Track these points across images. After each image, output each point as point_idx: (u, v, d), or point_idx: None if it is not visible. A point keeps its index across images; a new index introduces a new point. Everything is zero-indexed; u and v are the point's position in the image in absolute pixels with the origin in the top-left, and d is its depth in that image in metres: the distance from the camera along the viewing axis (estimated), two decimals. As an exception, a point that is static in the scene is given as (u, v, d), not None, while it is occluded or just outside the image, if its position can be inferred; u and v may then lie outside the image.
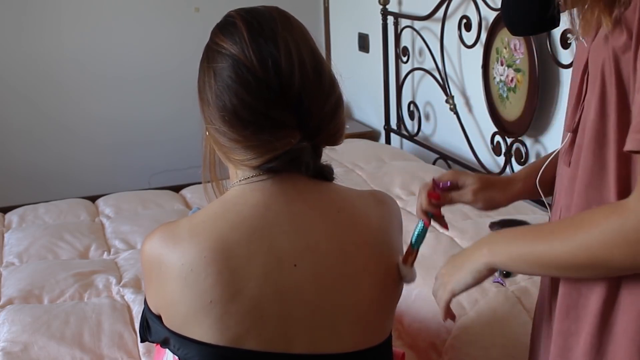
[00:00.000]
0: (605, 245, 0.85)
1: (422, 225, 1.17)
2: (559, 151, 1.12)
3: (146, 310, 1.15)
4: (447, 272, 1.07)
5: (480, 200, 1.15)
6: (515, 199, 1.19)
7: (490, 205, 1.17)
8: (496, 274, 1.77)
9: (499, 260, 0.98)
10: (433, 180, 1.15)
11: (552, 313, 1.05)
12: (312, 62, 1.06)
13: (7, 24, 3.47)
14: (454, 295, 1.04)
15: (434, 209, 1.16)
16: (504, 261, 0.98)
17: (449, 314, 1.09)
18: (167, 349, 1.18)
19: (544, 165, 1.14)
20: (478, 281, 1.02)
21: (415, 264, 1.83)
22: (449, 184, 1.16)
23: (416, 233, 1.17)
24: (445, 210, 1.20)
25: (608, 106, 0.90)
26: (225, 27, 1.08)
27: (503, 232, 1.02)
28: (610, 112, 0.90)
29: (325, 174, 1.14)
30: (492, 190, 1.16)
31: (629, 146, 0.83)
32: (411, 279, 1.16)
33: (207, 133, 1.11)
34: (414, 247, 1.16)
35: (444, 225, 1.21)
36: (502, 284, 1.71)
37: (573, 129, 0.99)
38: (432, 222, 1.21)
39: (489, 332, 1.59)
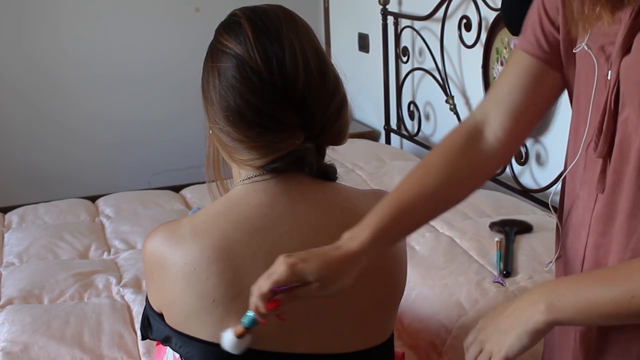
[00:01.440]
0: None
1: (254, 318, 0.97)
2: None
3: (147, 308, 1.15)
4: (490, 338, 0.91)
5: (328, 295, 0.95)
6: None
7: (338, 293, 0.96)
8: (496, 274, 1.77)
9: (565, 315, 0.84)
10: (271, 289, 0.92)
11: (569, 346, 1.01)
12: (317, 62, 1.06)
13: (6, 24, 3.47)
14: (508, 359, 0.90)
15: (274, 314, 0.96)
16: (571, 316, 0.84)
17: None
18: (167, 350, 1.18)
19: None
20: (536, 342, 0.88)
21: (415, 263, 1.84)
22: (287, 287, 0.93)
23: (249, 319, 0.98)
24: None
25: None
26: (230, 26, 1.08)
27: (562, 281, 0.90)
28: None
29: (328, 174, 1.14)
30: (337, 281, 0.94)
31: None
32: (234, 348, 1.01)
33: (211, 132, 1.11)
34: (245, 328, 0.99)
35: (283, 318, 0.98)
36: (502, 284, 1.71)
37: (604, 155, 0.90)
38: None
39: (489, 332, 1.59)
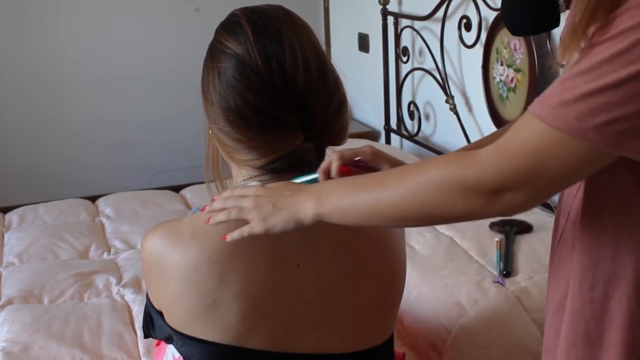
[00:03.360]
0: (440, 189, 0.84)
1: (316, 180, 1.06)
2: None
3: (149, 306, 1.15)
4: (262, 206, 0.98)
5: None
6: None
7: None
8: (496, 274, 1.77)
9: (327, 210, 0.94)
10: (355, 158, 1.05)
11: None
12: (317, 62, 1.06)
13: (6, 24, 3.46)
14: (267, 232, 0.98)
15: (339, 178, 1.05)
16: (333, 211, 0.94)
17: (230, 233, 1.00)
18: (167, 350, 1.18)
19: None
20: (297, 229, 0.98)
21: (415, 263, 1.84)
22: (366, 165, 1.06)
23: (303, 180, 1.07)
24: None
25: None
26: (230, 26, 1.08)
27: (334, 182, 0.98)
28: None
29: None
30: None
31: (532, 108, 0.80)
32: None
33: (210, 132, 1.11)
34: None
35: None
36: (502, 284, 1.71)
37: None
38: None
39: (488, 332, 1.59)
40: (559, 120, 0.76)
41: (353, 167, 1.04)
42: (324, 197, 0.95)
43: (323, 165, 1.05)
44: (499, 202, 0.82)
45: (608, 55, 0.74)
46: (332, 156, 1.05)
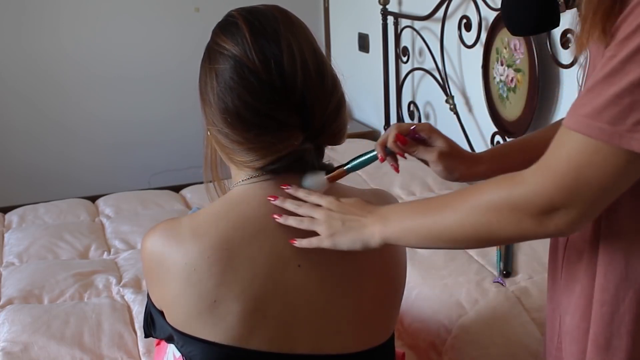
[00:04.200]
0: (491, 211, 0.85)
1: (374, 156, 1.11)
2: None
3: (150, 306, 1.14)
4: (332, 221, 1.02)
5: (442, 166, 1.10)
6: (475, 179, 1.12)
7: (449, 175, 1.12)
8: (496, 274, 1.77)
9: (391, 233, 0.98)
10: (411, 128, 1.10)
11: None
12: (315, 62, 1.05)
13: (6, 24, 3.46)
14: (334, 248, 1.02)
15: (397, 150, 1.10)
16: (396, 235, 0.98)
17: (300, 240, 1.04)
18: (167, 350, 1.18)
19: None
20: (364, 250, 1.02)
21: (415, 263, 1.84)
22: (422, 137, 1.11)
23: (361, 160, 1.10)
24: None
25: None
26: (227, 27, 1.07)
27: (399, 205, 1.02)
28: None
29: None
30: (457, 162, 1.10)
31: (566, 121, 0.80)
32: (319, 189, 1.10)
33: (209, 133, 1.11)
34: (348, 171, 1.10)
35: (396, 167, 1.14)
36: (502, 284, 1.71)
37: None
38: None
39: (488, 332, 1.59)
40: (592, 128, 0.76)
41: (409, 138, 1.10)
42: (388, 221, 0.98)
43: (381, 138, 1.10)
44: (551, 222, 0.82)
45: (627, 54, 0.74)
46: (389, 129, 1.10)
